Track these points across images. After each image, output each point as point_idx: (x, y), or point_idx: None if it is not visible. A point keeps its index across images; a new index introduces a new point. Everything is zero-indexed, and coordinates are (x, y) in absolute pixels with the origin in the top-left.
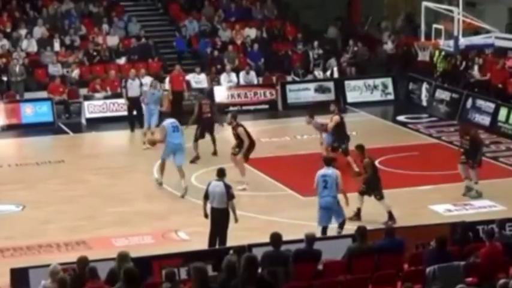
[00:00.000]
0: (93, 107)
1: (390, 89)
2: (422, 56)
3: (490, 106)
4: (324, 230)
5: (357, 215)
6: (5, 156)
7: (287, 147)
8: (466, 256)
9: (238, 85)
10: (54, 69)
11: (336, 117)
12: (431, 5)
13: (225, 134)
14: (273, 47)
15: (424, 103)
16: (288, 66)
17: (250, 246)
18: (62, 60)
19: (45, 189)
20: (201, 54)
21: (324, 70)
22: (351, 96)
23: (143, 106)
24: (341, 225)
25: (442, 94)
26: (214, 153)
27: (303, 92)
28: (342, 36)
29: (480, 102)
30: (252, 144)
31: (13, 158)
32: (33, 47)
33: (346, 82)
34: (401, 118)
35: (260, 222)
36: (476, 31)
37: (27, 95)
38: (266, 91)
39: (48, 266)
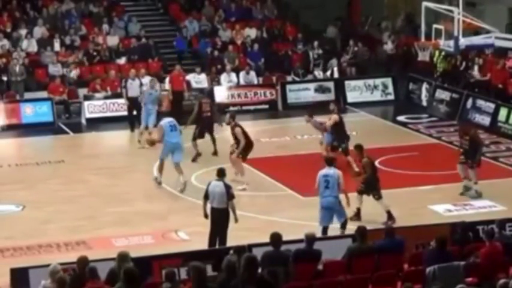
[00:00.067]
0: (93, 107)
1: (390, 89)
2: (423, 56)
3: (490, 106)
4: (325, 230)
5: (357, 215)
6: (5, 156)
7: (287, 147)
8: (466, 256)
9: (238, 85)
10: (54, 69)
11: (335, 116)
12: (431, 5)
13: (225, 134)
14: (273, 47)
15: (424, 103)
16: (288, 66)
17: (250, 246)
18: (62, 60)
19: (45, 189)
20: (201, 54)
21: (325, 70)
22: (351, 96)
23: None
24: (343, 226)
25: (442, 94)
26: (215, 153)
27: (303, 92)
28: (341, 36)
29: (480, 103)
30: (249, 144)
31: (13, 158)
32: (34, 47)
33: (346, 82)
34: (401, 118)
35: (260, 222)
36: (477, 31)
37: (27, 95)
38: (266, 91)
39: (48, 266)
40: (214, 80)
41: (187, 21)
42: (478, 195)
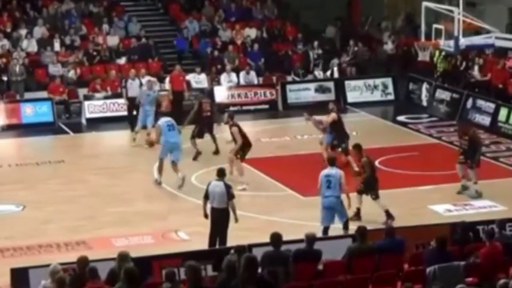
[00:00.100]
0: (93, 107)
1: (390, 89)
2: (423, 56)
3: (490, 106)
4: (326, 230)
5: (357, 215)
6: (5, 156)
7: (287, 147)
8: (466, 256)
9: (238, 85)
10: (55, 69)
11: (333, 115)
12: (431, 5)
13: (225, 134)
14: (273, 47)
15: (424, 103)
16: (288, 66)
17: (250, 246)
18: (62, 60)
19: (45, 189)
20: (201, 54)
21: (325, 70)
22: (351, 96)
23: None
24: (346, 226)
25: (442, 94)
26: (216, 152)
27: (303, 92)
28: (340, 36)
29: (480, 103)
30: (247, 144)
31: (13, 158)
32: (34, 47)
33: (347, 82)
34: (401, 118)
35: (260, 222)
36: (477, 31)
37: (28, 95)
38: (266, 91)
39: (48, 266)
40: (214, 80)
41: (188, 21)
42: (478, 195)
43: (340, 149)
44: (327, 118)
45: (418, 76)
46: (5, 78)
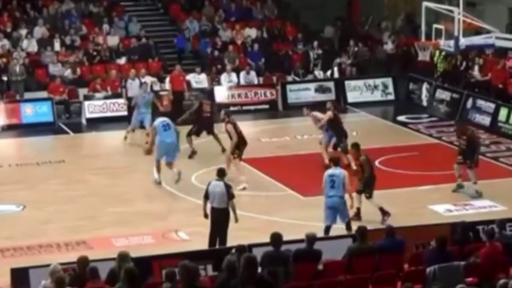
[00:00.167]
0: (94, 107)
1: (390, 89)
2: (423, 56)
3: (490, 106)
4: (327, 229)
5: (357, 215)
6: (5, 156)
7: (287, 147)
8: (466, 256)
9: (238, 85)
10: (55, 69)
11: (329, 113)
12: (431, 5)
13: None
14: (273, 47)
15: (425, 103)
16: (288, 66)
17: (250, 246)
18: (62, 60)
19: (46, 189)
20: (202, 54)
21: (326, 69)
22: (351, 96)
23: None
24: (349, 227)
25: (443, 94)
26: (223, 150)
27: (303, 92)
28: (340, 36)
29: (480, 103)
30: (242, 142)
31: (13, 158)
32: (34, 47)
33: (347, 82)
34: (401, 118)
35: (260, 222)
36: (478, 31)
37: (28, 95)
38: (266, 91)
39: (48, 266)
40: (215, 80)
41: (188, 21)
42: (478, 195)
43: (339, 149)
44: (324, 116)
45: (418, 76)
46: (5, 78)
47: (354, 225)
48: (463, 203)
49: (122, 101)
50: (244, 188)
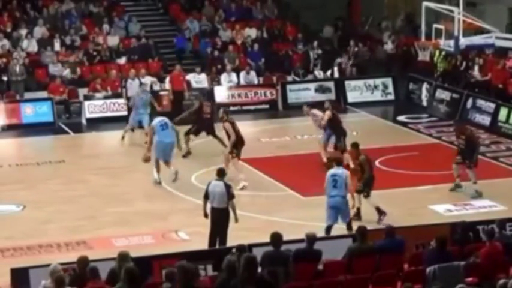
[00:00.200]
0: (94, 107)
1: (390, 89)
2: (423, 56)
3: (490, 106)
4: (329, 228)
5: (357, 215)
6: (5, 156)
7: (287, 147)
8: (466, 256)
9: (238, 85)
10: (55, 69)
11: (328, 113)
12: (431, 5)
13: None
14: (273, 47)
15: (425, 103)
16: (288, 66)
17: (250, 246)
18: (62, 60)
19: (46, 189)
20: (202, 54)
21: (326, 69)
22: (352, 96)
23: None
24: (349, 227)
25: (443, 94)
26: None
27: (303, 92)
28: (339, 35)
29: (480, 102)
30: (240, 142)
31: (13, 158)
32: (34, 47)
33: (347, 82)
34: (401, 118)
35: (260, 222)
36: (481, 31)
37: (28, 95)
38: (266, 91)
39: (48, 266)
40: (215, 80)
41: (188, 21)
42: (478, 195)
43: (337, 148)
44: (324, 116)
45: (418, 76)
46: (5, 78)
47: (354, 225)
48: (463, 203)
49: (122, 101)
50: (244, 187)
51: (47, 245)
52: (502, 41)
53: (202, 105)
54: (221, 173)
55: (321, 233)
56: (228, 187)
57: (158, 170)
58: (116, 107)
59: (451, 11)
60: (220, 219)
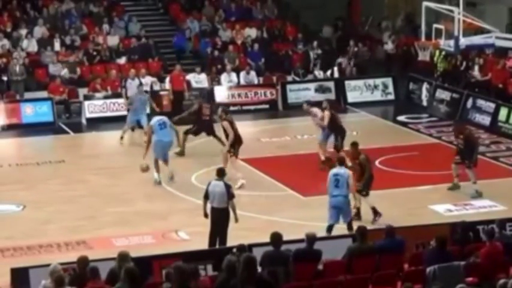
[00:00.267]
0: (94, 107)
1: (390, 88)
2: (423, 56)
3: (490, 106)
4: (330, 228)
5: (357, 215)
6: (5, 156)
7: (287, 147)
8: (466, 256)
9: (238, 85)
10: (55, 69)
11: (327, 112)
12: (431, 5)
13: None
14: (274, 47)
15: (425, 103)
16: (288, 66)
17: (250, 246)
18: (62, 60)
19: (46, 189)
20: (202, 54)
21: (325, 70)
22: (352, 96)
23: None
24: (350, 227)
25: (443, 94)
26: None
27: (303, 92)
28: (340, 35)
29: (480, 102)
30: (238, 141)
31: (13, 157)
32: (34, 47)
33: (347, 82)
34: (401, 118)
35: (260, 222)
36: (480, 31)
37: (28, 95)
38: (266, 91)
39: (48, 265)
40: (215, 80)
41: (188, 21)
42: (479, 195)
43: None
44: (324, 119)
45: (418, 76)
46: (5, 78)
47: (354, 225)
48: (463, 203)
49: (122, 100)
50: (242, 185)
51: (47, 245)
52: (502, 41)
53: (201, 106)
54: (221, 173)
55: (321, 233)
56: (228, 187)
57: (158, 170)
58: (116, 107)
59: (451, 11)
60: (220, 219)
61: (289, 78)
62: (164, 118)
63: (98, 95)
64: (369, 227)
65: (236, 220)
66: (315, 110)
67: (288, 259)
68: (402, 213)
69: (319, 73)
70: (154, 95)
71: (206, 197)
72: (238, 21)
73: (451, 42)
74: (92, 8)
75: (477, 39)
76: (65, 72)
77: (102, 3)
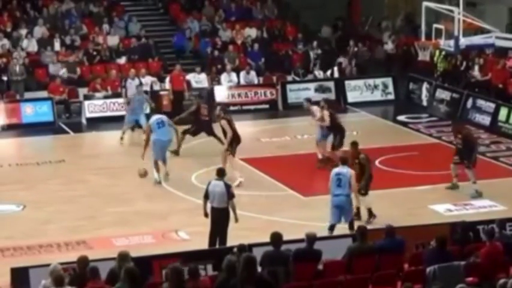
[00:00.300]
0: (94, 107)
1: (390, 88)
2: (423, 56)
3: (490, 106)
4: (332, 227)
5: (357, 215)
6: (5, 156)
7: (287, 147)
8: (466, 256)
9: (238, 85)
10: (55, 69)
11: (326, 112)
12: (431, 4)
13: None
14: (274, 47)
15: (425, 103)
16: (288, 66)
17: (250, 246)
18: (62, 60)
19: (46, 189)
20: (202, 54)
21: (325, 70)
22: (352, 96)
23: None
24: (351, 226)
25: (443, 94)
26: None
27: (303, 92)
28: (340, 35)
29: (480, 102)
30: (237, 140)
31: (13, 157)
32: (34, 47)
33: (347, 82)
34: (401, 118)
35: (261, 222)
36: (480, 31)
37: (28, 95)
38: (266, 91)
39: (48, 265)
40: (215, 80)
41: (188, 21)
42: (478, 195)
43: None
44: (326, 119)
45: (418, 76)
46: (5, 78)
47: (355, 225)
48: (463, 202)
49: (122, 100)
50: (240, 183)
51: (47, 245)
52: (502, 41)
53: (199, 107)
54: (221, 173)
55: (321, 233)
56: (228, 187)
57: (158, 170)
58: (116, 107)
59: (451, 11)
60: (220, 219)
61: (289, 78)
62: (163, 117)
63: (98, 94)
64: (369, 226)
65: (236, 220)
66: (315, 108)
67: (288, 259)
68: (402, 213)
69: (319, 73)
70: (154, 95)
71: (206, 196)
72: (238, 21)
73: (451, 42)
74: (92, 8)
75: (477, 39)
76: (63, 72)
77: (102, 3)
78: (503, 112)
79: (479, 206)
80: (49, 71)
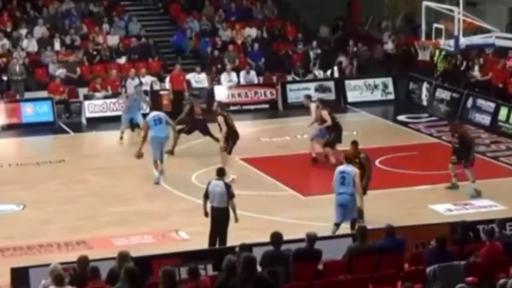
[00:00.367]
0: (94, 107)
1: (391, 88)
2: (423, 56)
3: (490, 106)
4: (337, 225)
5: (361, 217)
6: (5, 156)
7: (287, 147)
8: (466, 256)
9: (238, 85)
10: (55, 69)
11: (324, 112)
12: (432, 4)
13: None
14: (274, 47)
15: (425, 103)
16: (288, 66)
17: (250, 246)
18: (62, 60)
19: (46, 189)
20: (202, 54)
21: (325, 69)
22: (352, 96)
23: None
24: (353, 226)
25: (443, 94)
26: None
27: (304, 92)
28: (340, 35)
29: (480, 102)
30: (234, 135)
31: (13, 157)
32: (34, 47)
33: (347, 82)
34: (401, 118)
35: (261, 222)
36: (480, 31)
37: (28, 95)
38: (266, 91)
39: (48, 265)
40: (215, 80)
41: (188, 21)
42: (478, 194)
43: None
44: (326, 117)
45: (418, 76)
46: (5, 78)
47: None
48: (463, 202)
49: (121, 100)
50: (233, 180)
51: (47, 244)
52: (502, 41)
53: (192, 106)
54: (221, 173)
55: (321, 233)
56: (228, 187)
57: (157, 169)
58: (116, 107)
59: (451, 10)
60: (220, 219)
61: (289, 78)
62: (160, 114)
63: (98, 94)
64: (369, 226)
65: (236, 220)
66: (313, 106)
67: (288, 259)
68: (402, 213)
69: (319, 73)
70: (155, 95)
71: (206, 196)
72: (238, 21)
73: (451, 42)
74: (92, 7)
75: (477, 39)
76: (60, 72)
77: (102, 3)
78: (503, 112)
79: (479, 206)
80: (49, 71)
